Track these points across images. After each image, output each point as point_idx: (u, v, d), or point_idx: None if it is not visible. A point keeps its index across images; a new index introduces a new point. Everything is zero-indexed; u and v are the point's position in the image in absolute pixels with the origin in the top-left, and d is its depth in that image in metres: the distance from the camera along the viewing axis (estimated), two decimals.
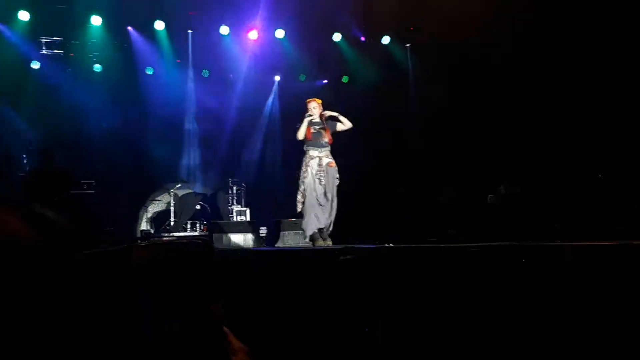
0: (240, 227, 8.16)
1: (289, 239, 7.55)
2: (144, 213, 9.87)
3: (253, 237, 8.05)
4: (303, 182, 6.22)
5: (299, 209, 6.30)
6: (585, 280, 3.30)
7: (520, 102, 8.50)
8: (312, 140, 6.25)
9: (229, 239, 7.87)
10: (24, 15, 8.55)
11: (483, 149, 8.79)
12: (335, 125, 6.37)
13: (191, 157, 10.45)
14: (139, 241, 7.76)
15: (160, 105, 9.77)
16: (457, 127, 9.08)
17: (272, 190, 9.98)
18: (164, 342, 1.79)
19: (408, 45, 10.13)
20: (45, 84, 9.18)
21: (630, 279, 3.21)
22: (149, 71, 9.89)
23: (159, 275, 1.86)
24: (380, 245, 5.35)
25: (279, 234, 7.65)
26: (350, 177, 6.82)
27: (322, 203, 6.15)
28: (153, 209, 9.97)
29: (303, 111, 6.35)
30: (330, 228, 6.25)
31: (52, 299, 1.66)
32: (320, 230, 6.15)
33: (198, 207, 9.57)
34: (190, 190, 10.06)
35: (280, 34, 9.64)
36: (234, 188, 9.46)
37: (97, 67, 9.57)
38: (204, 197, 9.93)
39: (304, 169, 6.25)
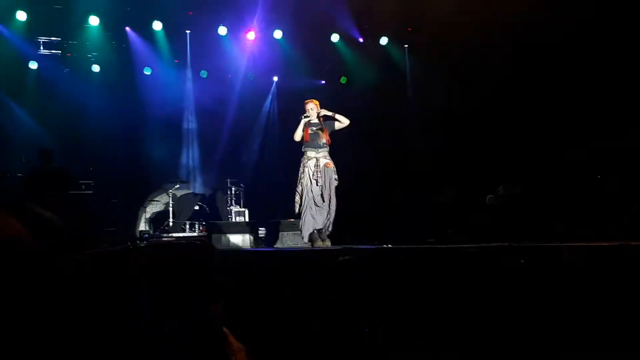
0: (238, 228, 8.13)
1: (287, 240, 7.54)
2: (142, 214, 9.86)
3: (252, 237, 8.03)
4: (300, 183, 6.22)
5: (296, 210, 6.30)
6: (585, 281, 3.30)
7: (519, 102, 8.48)
8: (310, 141, 6.24)
9: (228, 240, 7.84)
10: (21, 15, 8.55)
11: (482, 149, 8.78)
12: (333, 125, 6.36)
13: (190, 157, 10.45)
14: (138, 242, 7.74)
15: (158, 105, 9.76)
16: (457, 128, 9.07)
17: (271, 191, 9.95)
18: (164, 342, 1.79)
19: (406, 46, 10.14)
20: (43, 84, 9.18)
21: (629, 280, 3.21)
22: (147, 71, 9.88)
23: (159, 276, 1.85)
24: (379, 247, 5.34)
25: (277, 234, 7.65)
26: (350, 177, 6.81)
27: (319, 204, 6.14)
28: (152, 209, 9.96)
29: (301, 112, 6.35)
30: (329, 229, 6.22)
31: (52, 299, 1.65)
32: (318, 231, 6.13)
33: (197, 207, 9.55)
34: (188, 191, 10.06)
35: (278, 34, 9.64)
36: (233, 188, 9.44)
37: (95, 68, 9.56)
38: (202, 198, 9.92)
39: (301, 170, 6.25)
